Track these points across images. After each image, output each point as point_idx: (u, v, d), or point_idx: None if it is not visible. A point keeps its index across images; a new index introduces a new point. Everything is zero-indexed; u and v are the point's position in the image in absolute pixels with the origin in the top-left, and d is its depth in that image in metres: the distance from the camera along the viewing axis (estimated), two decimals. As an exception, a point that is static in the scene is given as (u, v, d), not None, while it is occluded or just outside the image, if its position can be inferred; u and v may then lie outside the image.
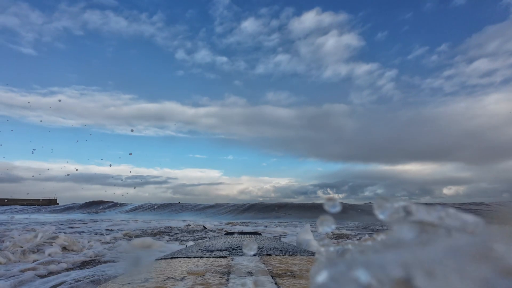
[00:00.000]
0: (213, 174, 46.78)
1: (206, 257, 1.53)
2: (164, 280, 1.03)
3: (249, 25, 39.80)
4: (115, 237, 5.99)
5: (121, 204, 28.83)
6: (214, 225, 10.42)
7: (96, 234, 6.69)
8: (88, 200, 28.91)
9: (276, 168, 48.49)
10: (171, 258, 1.55)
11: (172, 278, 1.06)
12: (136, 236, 6.34)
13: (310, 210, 18.79)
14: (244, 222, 12.74)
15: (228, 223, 11.57)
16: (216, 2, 37.32)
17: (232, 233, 3.75)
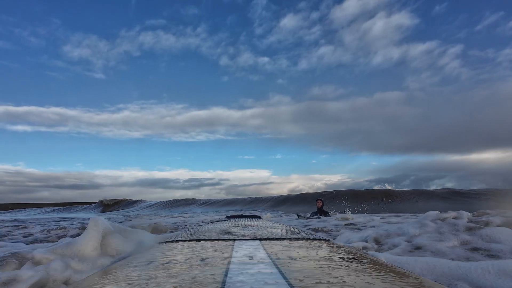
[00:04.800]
0: (262, 174, 47.33)
1: (208, 240, 1.55)
2: (167, 263, 1.06)
3: (288, 21, 39.21)
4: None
5: (138, 201, 29.75)
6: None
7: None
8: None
9: (326, 164, 47.35)
10: (175, 241, 1.58)
11: (175, 260, 1.09)
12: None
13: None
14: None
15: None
16: (254, 5, 37.42)
17: (233, 217, 3.77)
